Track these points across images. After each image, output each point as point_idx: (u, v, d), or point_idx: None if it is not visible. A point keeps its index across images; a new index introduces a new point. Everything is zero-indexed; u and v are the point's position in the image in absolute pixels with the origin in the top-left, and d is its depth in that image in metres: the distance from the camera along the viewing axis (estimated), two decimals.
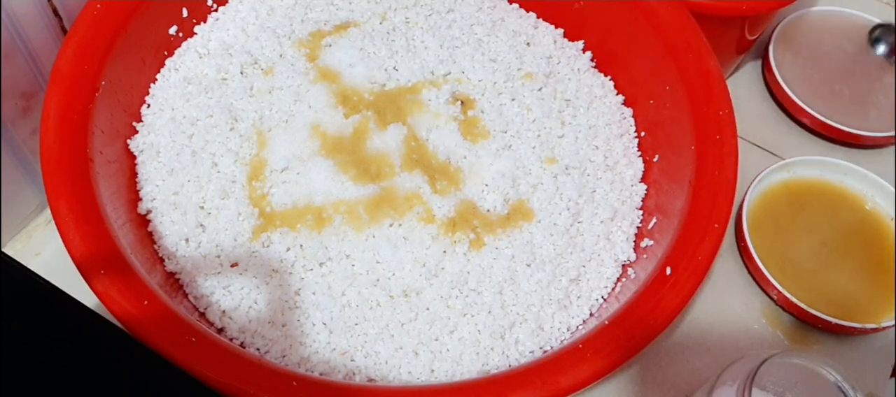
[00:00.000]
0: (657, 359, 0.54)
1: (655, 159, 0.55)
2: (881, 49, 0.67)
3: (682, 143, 0.52)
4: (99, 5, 0.50)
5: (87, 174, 0.45)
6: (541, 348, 0.48)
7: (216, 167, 0.51)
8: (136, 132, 0.52)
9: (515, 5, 0.63)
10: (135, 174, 0.50)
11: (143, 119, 0.53)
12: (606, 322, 0.44)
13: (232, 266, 0.48)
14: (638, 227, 0.53)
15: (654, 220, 0.52)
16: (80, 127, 0.46)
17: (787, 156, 0.63)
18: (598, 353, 0.42)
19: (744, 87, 0.70)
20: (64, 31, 0.53)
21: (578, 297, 0.50)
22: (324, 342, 0.46)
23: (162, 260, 0.48)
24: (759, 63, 0.72)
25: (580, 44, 0.61)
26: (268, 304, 0.47)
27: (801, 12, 0.72)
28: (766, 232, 0.59)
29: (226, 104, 0.53)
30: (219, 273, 0.48)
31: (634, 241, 0.53)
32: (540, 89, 0.58)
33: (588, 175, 0.55)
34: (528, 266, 0.50)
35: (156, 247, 0.48)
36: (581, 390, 0.41)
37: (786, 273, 0.57)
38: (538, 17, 0.62)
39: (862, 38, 0.70)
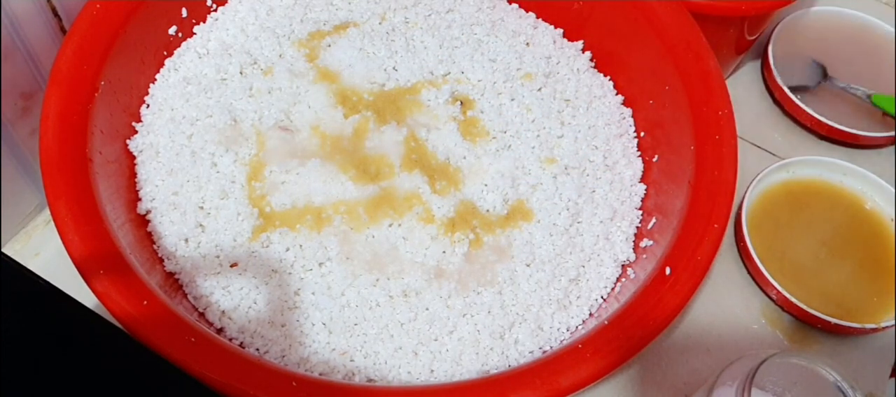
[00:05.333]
0: (657, 359, 0.54)
1: (655, 159, 0.55)
2: None
3: (682, 143, 0.52)
4: (98, 5, 0.50)
5: (87, 174, 0.45)
6: (540, 348, 0.48)
7: (215, 167, 0.51)
8: (136, 132, 0.52)
9: (515, 5, 0.63)
10: (134, 174, 0.50)
11: (142, 119, 0.53)
12: (606, 322, 0.44)
13: (231, 266, 0.48)
14: (637, 227, 0.53)
15: (654, 220, 0.52)
16: (80, 127, 0.46)
17: (786, 156, 0.63)
18: (597, 353, 0.42)
19: (744, 87, 0.70)
20: (63, 31, 0.53)
21: (578, 297, 0.50)
22: (323, 342, 0.46)
23: (161, 260, 0.48)
24: (758, 63, 0.72)
25: (579, 44, 0.61)
26: (267, 304, 0.47)
27: (800, 12, 0.72)
28: (766, 232, 0.59)
29: (225, 104, 0.53)
30: (218, 273, 0.48)
31: (634, 241, 0.53)
32: (539, 89, 0.58)
33: (587, 175, 0.55)
34: (528, 266, 0.50)
35: (155, 247, 0.48)
36: (581, 390, 0.41)
37: (785, 273, 0.57)
38: (538, 17, 0.62)
39: (861, 36, 0.71)
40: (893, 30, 0.71)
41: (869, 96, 0.65)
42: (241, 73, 0.55)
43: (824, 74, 0.67)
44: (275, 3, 0.59)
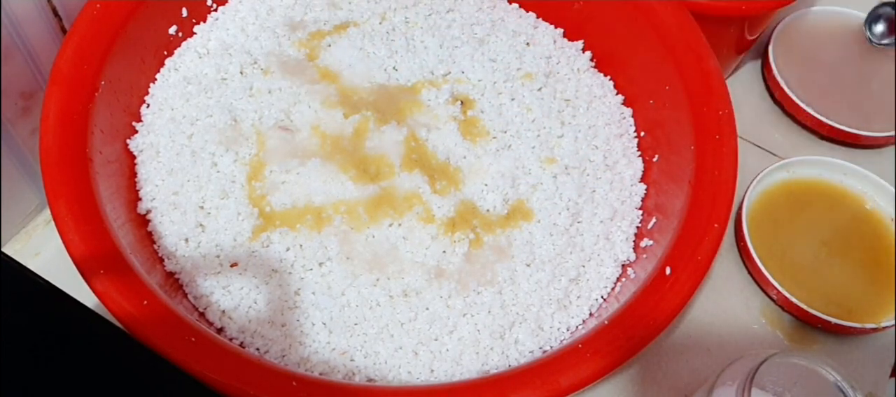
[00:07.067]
0: (657, 359, 0.54)
1: (655, 159, 0.55)
2: (879, 28, 0.67)
3: (682, 143, 0.52)
4: (98, 5, 0.50)
5: (87, 174, 0.45)
6: (540, 348, 0.48)
7: (216, 167, 0.51)
8: (136, 132, 0.52)
9: (515, 5, 0.63)
10: (134, 174, 0.50)
11: (142, 119, 0.53)
12: (606, 322, 0.44)
13: (232, 266, 0.48)
14: (637, 227, 0.53)
15: (654, 220, 0.52)
16: (80, 127, 0.46)
17: (786, 156, 0.63)
18: (597, 353, 0.42)
19: (744, 87, 0.70)
20: (64, 31, 0.53)
21: (578, 297, 0.50)
22: (323, 342, 0.46)
23: (161, 260, 0.48)
24: (758, 63, 0.72)
25: (580, 44, 0.61)
26: (267, 304, 0.47)
27: (800, 12, 0.72)
28: (766, 232, 0.59)
29: (225, 104, 0.53)
30: (218, 273, 0.48)
31: (634, 241, 0.53)
32: (539, 89, 0.58)
33: (588, 175, 0.55)
34: (528, 266, 0.50)
35: (155, 246, 0.48)
36: (581, 390, 0.41)
37: (785, 273, 0.57)
38: (538, 17, 0.62)
39: (861, 37, 0.71)
40: None
41: None
42: (241, 72, 0.55)
43: None
44: (275, 2, 0.59)
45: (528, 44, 0.61)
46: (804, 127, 0.67)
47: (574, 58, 0.61)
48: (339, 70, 0.56)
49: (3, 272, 0.37)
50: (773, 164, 0.61)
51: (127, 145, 0.51)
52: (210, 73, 0.55)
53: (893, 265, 0.58)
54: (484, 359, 0.47)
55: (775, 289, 0.55)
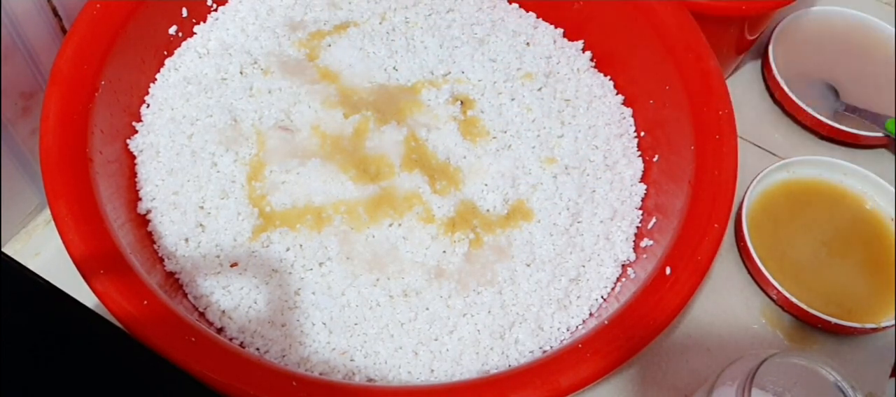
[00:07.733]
0: (657, 359, 0.54)
1: (655, 159, 0.55)
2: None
3: (682, 143, 0.52)
4: (98, 5, 0.50)
5: (87, 174, 0.45)
6: (540, 348, 0.48)
7: (216, 167, 0.51)
8: (136, 132, 0.52)
9: (515, 5, 0.63)
10: (134, 174, 0.50)
11: (142, 119, 0.53)
12: (606, 322, 0.44)
13: (232, 266, 0.48)
14: (637, 227, 0.53)
15: (654, 220, 0.52)
16: (80, 127, 0.46)
17: (786, 156, 0.63)
18: (597, 353, 0.42)
19: (744, 87, 0.70)
20: (64, 30, 0.53)
21: (578, 297, 0.50)
22: (323, 342, 0.46)
23: (161, 259, 0.48)
24: (758, 63, 0.72)
25: (580, 44, 0.61)
26: (267, 304, 0.47)
27: (800, 12, 0.72)
28: (766, 232, 0.59)
29: (225, 104, 0.53)
30: (218, 273, 0.48)
31: (634, 241, 0.53)
32: (539, 89, 0.58)
33: (588, 175, 0.55)
34: (528, 266, 0.50)
35: (155, 246, 0.48)
36: (581, 390, 0.41)
37: (785, 273, 0.57)
38: (538, 17, 0.62)
39: (860, 38, 0.71)
40: (893, 30, 0.71)
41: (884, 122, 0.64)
42: (241, 72, 0.55)
43: (837, 96, 0.67)
44: (275, 3, 0.59)
45: (528, 44, 0.61)
46: (804, 127, 0.67)
47: (574, 58, 0.61)
48: (339, 70, 0.56)
49: (3, 272, 0.37)
50: (773, 164, 0.61)
51: (127, 145, 0.51)
52: (210, 73, 0.55)
53: (893, 265, 0.58)
54: (484, 359, 0.47)
55: (775, 289, 0.55)
